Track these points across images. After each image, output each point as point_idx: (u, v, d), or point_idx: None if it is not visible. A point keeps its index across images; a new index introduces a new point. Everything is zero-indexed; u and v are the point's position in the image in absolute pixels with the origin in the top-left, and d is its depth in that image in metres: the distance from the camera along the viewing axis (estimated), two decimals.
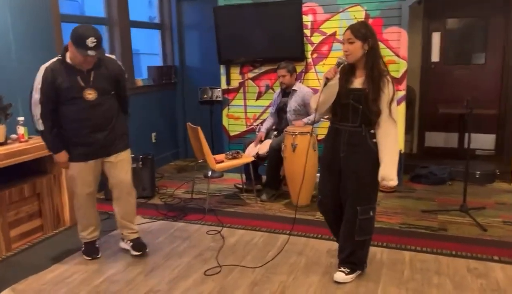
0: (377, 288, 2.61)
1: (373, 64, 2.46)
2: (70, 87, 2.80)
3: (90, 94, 2.84)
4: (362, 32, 2.46)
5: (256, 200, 4.25)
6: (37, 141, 3.44)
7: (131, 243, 3.16)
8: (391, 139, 2.48)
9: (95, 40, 2.65)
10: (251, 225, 3.65)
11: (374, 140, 2.52)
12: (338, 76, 2.51)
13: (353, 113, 2.52)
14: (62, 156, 2.92)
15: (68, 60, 2.80)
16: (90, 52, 2.66)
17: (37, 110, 2.78)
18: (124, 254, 3.17)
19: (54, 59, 2.85)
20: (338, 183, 2.64)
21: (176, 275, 2.85)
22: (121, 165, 3.04)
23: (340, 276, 2.68)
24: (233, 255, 3.11)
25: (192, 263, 3.02)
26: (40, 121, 2.79)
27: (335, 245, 3.18)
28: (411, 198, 4.23)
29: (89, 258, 3.11)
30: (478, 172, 4.63)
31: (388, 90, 2.45)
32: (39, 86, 2.77)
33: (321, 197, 2.75)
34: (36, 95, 2.77)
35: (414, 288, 2.61)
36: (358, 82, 2.52)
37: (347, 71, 2.56)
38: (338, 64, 2.51)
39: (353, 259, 2.69)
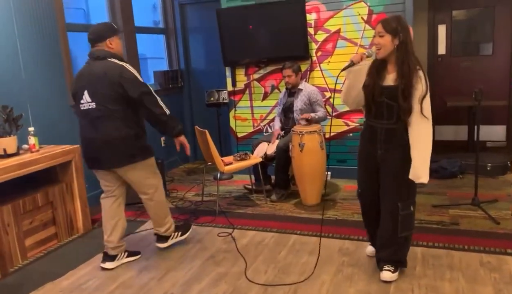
0: (389, 286, 2.61)
1: (403, 59, 2.42)
2: None
3: None
4: (393, 26, 2.42)
5: (266, 201, 4.26)
6: (48, 150, 3.49)
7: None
8: (422, 138, 2.46)
9: None
10: (262, 226, 3.66)
11: None
12: (364, 62, 2.50)
13: (388, 110, 2.50)
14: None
15: None
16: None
17: (157, 96, 2.92)
18: (138, 259, 3.20)
19: (119, 60, 2.91)
20: (376, 178, 2.64)
21: (189, 277, 2.88)
22: None
23: (387, 275, 2.63)
24: (245, 256, 3.13)
25: (205, 265, 3.04)
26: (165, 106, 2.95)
27: (346, 244, 3.20)
28: (422, 193, 4.20)
29: (190, 231, 3.45)
30: (490, 164, 4.58)
31: (421, 85, 2.41)
32: (140, 77, 2.91)
33: (361, 190, 2.76)
34: (144, 84, 2.90)
35: (426, 283, 2.60)
36: (390, 79, 2.49)
37: (379, 67, 2.52)
38: (368, 54, 2.52)
39: (396, 257, 2.66)
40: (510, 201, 3.83)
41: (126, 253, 3.18)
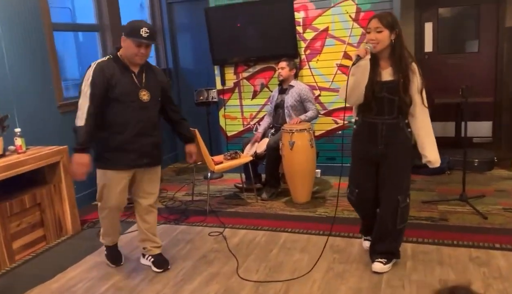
0: (380, 282, 2.63)
1: (400, 54, 2.45)
2: (124, 84, 2.72)
3: (145, 95, 2.80)
4: (389, 20, 2.43)
5: (256, 199, 4.26)
6: (35, 151, 3.45)
7: (152, 259, 3.03)
8: (429, 126, 2.56)
9: (148, 30, 2.65)
10: (253, 224, 3.66)
11: (410, 130, 2.57)
12: (368, 57, 2.42)
13: (389, 105, 2.52)
14: (85, 157, 2.63)
15: (120, 58, 2.75)
16: (144, 41, 2.63)
17: (85, 104, 2.61)
18: (128, 260, 3.18)
19: (105, 57, 2.77)
20: (374, 176, 2.68)
21: (181, 278, 2.87)
22: (155, 179, 3.00)
23: (379, 266, 2.70)
24: (237, 255, 3.12)
25: (196, 265, 3.03)
26: (85, 116, 2.59)
27: (336, 241, 3.21)
28: (412, 189, 4.12)
29: (113, 266, 3.05)
30: (477, 160, 4.64)
31: (416, 78, 2.47)
32: (90, 80, 2.64)
33: (358, 191, 2.74)
34: (86, 89, 2.63)
35: (417, 279, 2.63)
36: (387, 74, 2.50)
37: (372, 63, 2.47)
38: (370, 48, 2.43)
39: (391, 248, 2.73)
40: (497, 196, 3.88)
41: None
